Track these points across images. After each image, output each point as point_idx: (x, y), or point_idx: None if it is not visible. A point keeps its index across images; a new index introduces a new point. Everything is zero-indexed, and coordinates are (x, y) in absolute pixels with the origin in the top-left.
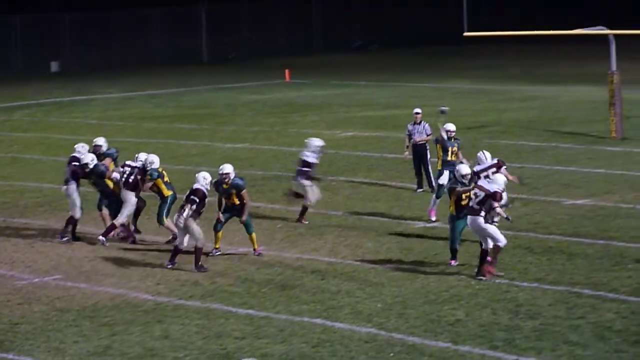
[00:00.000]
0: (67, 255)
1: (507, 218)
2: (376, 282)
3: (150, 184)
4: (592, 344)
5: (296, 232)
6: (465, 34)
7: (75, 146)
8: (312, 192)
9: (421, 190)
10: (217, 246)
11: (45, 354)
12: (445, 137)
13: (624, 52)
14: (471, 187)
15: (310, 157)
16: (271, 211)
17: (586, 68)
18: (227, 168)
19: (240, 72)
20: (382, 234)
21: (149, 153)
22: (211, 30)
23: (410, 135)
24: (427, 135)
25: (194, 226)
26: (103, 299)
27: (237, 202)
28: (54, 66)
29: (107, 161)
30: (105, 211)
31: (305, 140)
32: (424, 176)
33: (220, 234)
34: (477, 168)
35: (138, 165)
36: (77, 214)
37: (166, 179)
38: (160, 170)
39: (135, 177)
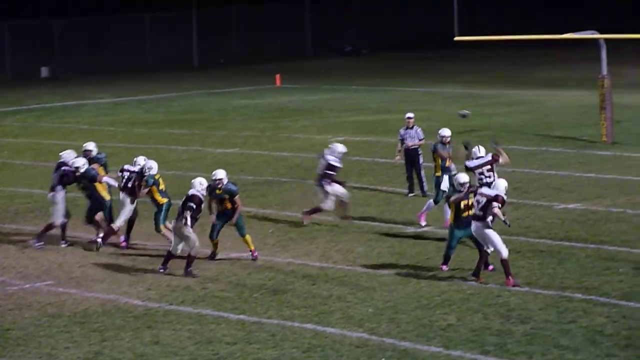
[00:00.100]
0: (58, 261)
1: (504, 222)
2: (367, 286)
3: (145, 190)
4: (583, 348)
5: (287, 236)
6: (456, 38)
7: (61, 154)
8: (332, 197)
9: (412, 195)
10: (215, 250)
11: None
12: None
13: (614, 56)
14: (468, 194)
15: (335, 161)
16: (262, 216)
17: (576, 72)
18: (220, 174)
19: (231, 77)
20: (373, 239)
21: (147, 159)
22: (202, 35)
23: (402, 140)
24: (420, 140)
25: (189, 232)
26: (94, 304)
27: (229, 207)
28: (45, 71)
29: (96, 166)
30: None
31: (330, 145)
32: (416, 181)
33: (216, 241)
34: (471, 164)
35: (137, 170)
36: (58, 221)
37: (162, 186)
38: (157, 177)
39: (134, 182)
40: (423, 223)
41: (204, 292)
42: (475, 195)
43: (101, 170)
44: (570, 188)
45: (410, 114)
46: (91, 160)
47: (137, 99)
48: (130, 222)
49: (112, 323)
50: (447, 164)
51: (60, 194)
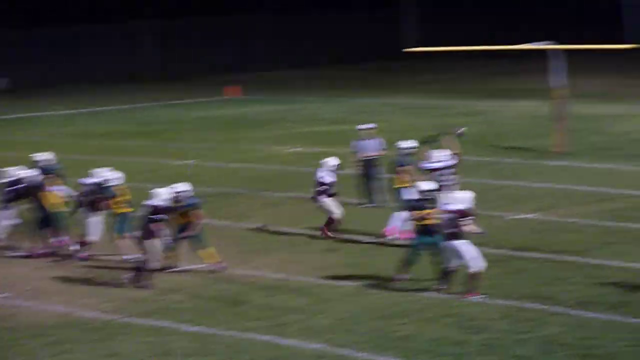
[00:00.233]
0: (15, 274)
1: (480, 232)
2: (325, 297)
3: (106, 202)
4: (539, 357)
5: (246, 248)
6: (405, 50)
7: (7, 169)
8: (334, 205)
9: (370, 205)
10: (175, 262)
11: None
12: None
13: (569, 67)
14: (431, 206)
15: (326, 177)
16: (221, 228)
17: (531, 82)
18: (182, 186)
19: (189, 88)
20: (331, 250)
21: (107, 170)
22: (160, 46)
23: (360, 150)
24: (379, 151)
25: (151, 244)
26: (50, 317)
27: (190, 220)
28: (1, 83)
29: (50, 177)
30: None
31: (320, 162)
32: (372, 192)
33: (175, 252)
34: (429, 165)
35: (95, 182)
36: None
37: (123, 197)
38: (118, 188)
39: (93, 194)
40: (394, 236)
41: (162, 304)
42: (438, 205)
43: (55, 182)
44: (525, 198)
45: (371, 125)
46: (46, 171)
47: (93, 110)
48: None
49: (68, 336)
50: (408, 177)
51: (7, 212)
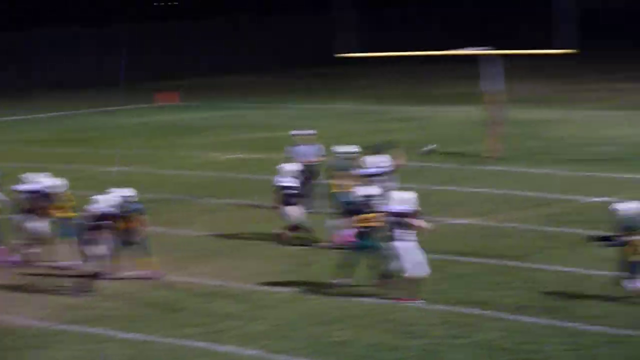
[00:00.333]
0: None
1: (429, 229)
2: (263, 304)
3: (48, 209)
4: None
5: (183, 255)
6: (336, 55)
7: None
8: (297, 212)
9: (310, 211)
10: (114, 269)
11: None
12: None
13: (505, 72)
14: (370, 210)
15: (286, 182)
16: (158, 235)
17: (467, 87)
18: (126, 191)
19: (126, 95)
20: (269, 256)
21: (49, 177)
22: (97, 53)
23: (296, 156)
24: (318, 157)
25: (92, 250)
26: None
27: (132, 226)
28: None
29: None
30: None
31: (277, 167)
32: (310, 197)
33: (116, 258)
34: (365, 171)
35: (34, 189)
36: None
37: (66, 203)
38: (60, 194)
39: (33, 201)
40: (339, 241)
41: (98, 311)
42: (379, 209)
43: None
44: (462, 203)
45: (311, 131)
46: None
47: (28, 117)
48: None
49: (2, 344)
50: (347, 181)
51: None
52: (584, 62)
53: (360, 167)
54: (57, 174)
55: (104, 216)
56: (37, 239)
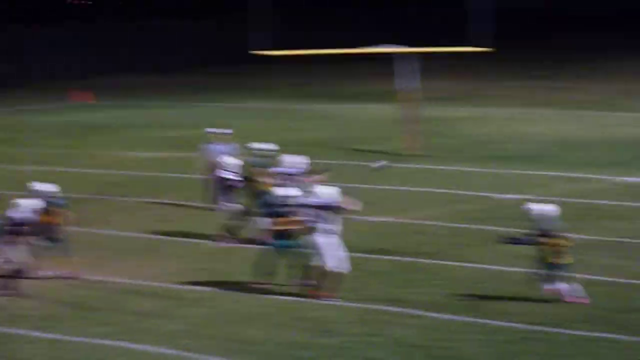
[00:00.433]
0: None
1: (356, 208)
2: (178, 302)
3: None
4: (389, 359)
5: (100, 253)
6: (251, 52)
7: None
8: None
9: (224, 209)
10: (33, 268)
11: None
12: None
13: (423, 70)
14: (289, 211)
15: (228, 174)
16: (74, 234)
17: (383, 85)
18: (49, 187)
19: (40, 94)
20: (185, 255)
21: None
22: (10, 52)
23: (211, 154)
24: (234, 156)
25: (12, 250)
26: None
27: (56, 221)
28: None
29: None
30: None
31: (218, 160)
32: (224, 196)
33: (36, 258)
34: (286, 171)
35: None
36: None
37: None
38: None
39: None
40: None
41: (12, 311)
42: (299, 209)
43: None
44: (376, 201)
45: (227, 130)
46: None
47: None
48: None
49: None
50: (266, 179)
51: None
52: (499, 61)
53: (278, 165)
54: None
55: (24, 221)
56: None
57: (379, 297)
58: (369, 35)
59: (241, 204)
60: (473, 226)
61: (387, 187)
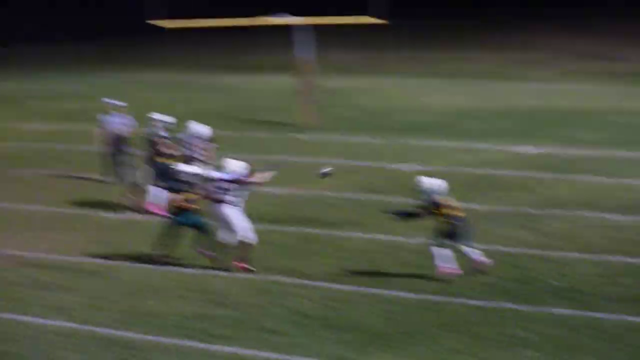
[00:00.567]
0: None
1: (270, 173)
2: (77, 275)
3: None
4: (288, 330)
5: None
6: (148, 21)
7: None
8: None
9: (117, 181)
10: None
11: None
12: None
13: (318, 41)
14: (191, 188)
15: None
16: None
17: (280, 56)
18: None
19: None
20: (83, 227)
21: None
22: None
23: (108, 126)
24: (128, 128)
25: None
26: None
27: None
28: None
29: None
30: None
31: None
32: (121, 168)
33: None
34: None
35: None
36: None
37: None
38: None
39: None
40: (156, 212)
41: None
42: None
43: None
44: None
45: (119, 102)
46: None
47: None
48: None
49: None
50: (167, 150)
51: None
52: (395, 31)
53: (179, 139)
54: None
55: None
56: None
57: (277, 268)
58: (269, 4)
59: (139, 175)
60: (372, 197)
61: (285, 158)
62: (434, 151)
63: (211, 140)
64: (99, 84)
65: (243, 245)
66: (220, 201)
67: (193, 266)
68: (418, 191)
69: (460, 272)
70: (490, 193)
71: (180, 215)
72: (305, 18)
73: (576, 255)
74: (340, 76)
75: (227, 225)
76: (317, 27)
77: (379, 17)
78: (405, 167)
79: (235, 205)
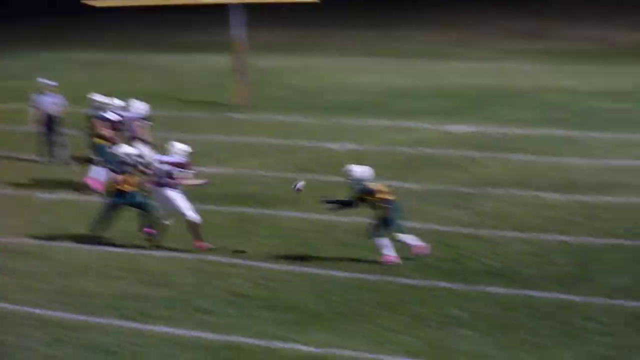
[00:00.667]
0: None
1: (202, 183)
2: (11, 255)
3: None
4: (223, 310)
5: None
6: (83, 2)
7: None
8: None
9: (52, 161)
10: None
11: None
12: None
13: (250, 20)
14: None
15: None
16: None
17: (212, 35)
18: None
19: None
20: (17, 208)
21: None
22: None
23: (40, 106)
24: (60, 107)
25: None
26: None
27: None
28: None
29: None
30: None
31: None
32: (54, 148)
33: None
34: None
35: None
36: None
37: None
38: None
39: None
40: (96, 188)
41: None
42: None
43: None
44: (208, 152)
45: (50, 82)
46: None
47: None
48: None
49: None
50: (104, 131)
51: None
52: (328, 10)
53: (118, 120)
54: None
55: None
56: None
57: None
58: None
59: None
60: (306, 176)
61: (218, 138)
62: (367, 130)
63: (146, 118)
64: (33, 64)
65: (191, 225)
66: (163, 184)
67: (129, 246)
68: (349, 180)
69: (399, 260)
70: (423, 172)
71: (118, 196)
72: None
73: (509, 234)
74: (273, 55)
75: (169, 206)
76: (250, 6)
77: None
78: (338, 146)
79: (176, 188)
